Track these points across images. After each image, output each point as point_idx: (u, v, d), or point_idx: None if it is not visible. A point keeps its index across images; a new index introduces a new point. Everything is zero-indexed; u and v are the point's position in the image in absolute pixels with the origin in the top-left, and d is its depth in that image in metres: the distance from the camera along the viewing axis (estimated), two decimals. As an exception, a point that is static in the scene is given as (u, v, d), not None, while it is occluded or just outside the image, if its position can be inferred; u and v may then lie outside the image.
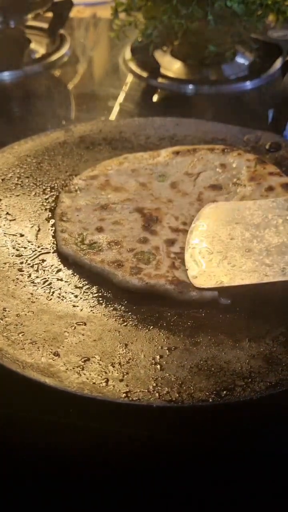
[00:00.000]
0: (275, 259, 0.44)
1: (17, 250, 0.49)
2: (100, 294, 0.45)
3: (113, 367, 0.38)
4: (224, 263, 0.45)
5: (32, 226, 0.52)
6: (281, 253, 0.44)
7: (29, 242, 0.50)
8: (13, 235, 0.51)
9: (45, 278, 0.46)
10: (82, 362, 0.39)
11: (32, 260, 0.48)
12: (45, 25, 0.92)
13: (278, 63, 0.83)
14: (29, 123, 0.73)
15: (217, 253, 0.46)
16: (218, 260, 0.45)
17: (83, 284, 0.46)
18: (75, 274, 0.47)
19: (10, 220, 0.52)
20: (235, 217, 0.49)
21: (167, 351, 0.40)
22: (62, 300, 0.44)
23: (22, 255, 0.49)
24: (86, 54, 0.93)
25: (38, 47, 0.89)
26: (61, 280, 0.46)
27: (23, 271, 0.47)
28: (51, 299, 0.44)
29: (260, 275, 0.43)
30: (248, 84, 0.80)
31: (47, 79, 0.85)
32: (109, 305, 0.44)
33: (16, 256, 0.49)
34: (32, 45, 0.89)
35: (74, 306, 0.44)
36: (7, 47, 0.84)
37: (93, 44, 0.97)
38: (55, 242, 0.50)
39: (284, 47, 0.85)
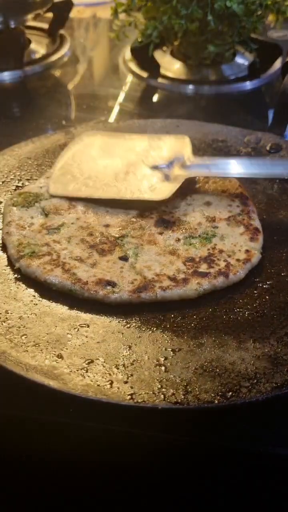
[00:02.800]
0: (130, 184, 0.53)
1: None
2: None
3: (117, 369, 0.38)
4: (85, 180, 0.54)
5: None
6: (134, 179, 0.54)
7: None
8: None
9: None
10: (86, 364, 0.39)
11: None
12: (45, 26, 0.92)
13: (278, 63, 0.83)
14: (29, 123, 0.72)
15: (81, 173, 0.55)
16: (80, 178, 0.54)
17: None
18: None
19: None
20: (105, 147, 0.58)
21: (171, 352, 0.40)
22: (65, 302, 0.44)
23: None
24: (86, 55, 0.93)
25: (38, 47, 0.89)
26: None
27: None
28: (53, 301, 0.44)
29: (112, 193, 0.52)
30: (248, 84, 0.80)
31: (47, 79, 0.84)
32: (112, 307, 0.44)
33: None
34: (32, 45, 0.89)
35: (76, 307, 0.44)
36: (7, 47, 0.84)
37: (93, 44, 0.97)
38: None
39: (284, 47, 0.85)
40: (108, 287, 0.44)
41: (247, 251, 0.48)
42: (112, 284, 0.44)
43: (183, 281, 0.44)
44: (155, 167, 0.55)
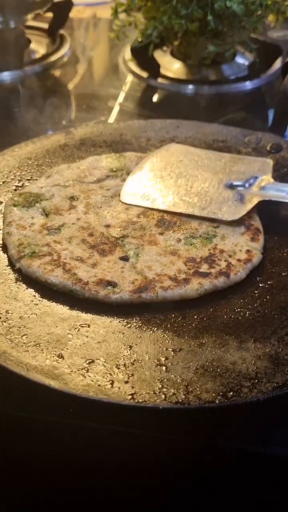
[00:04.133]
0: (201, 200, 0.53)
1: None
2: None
3: (118, 369, 0.38)
4: (157, 191, 0.54)
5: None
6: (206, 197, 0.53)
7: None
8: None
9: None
10: (86, 364, 0.39)
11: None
12: (45, 25, 0.92)
13: (278, 63, 0.83)
14: (29, 123, 0.73)
15: (155, 182, 0.55)
16: (153, 189, 0.54)
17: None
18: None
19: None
20: (185, 159, 0.58)
21: (172, 352, 0.40)
22: (65, 302, 0.44)
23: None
24: (86, 54, 0.93)
25: (38, 47, 0.89)
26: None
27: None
28: (54, 301, 0.44)
29: (183, 207, 0.52)
30: (248, 84, 0.80)
31: (47, 79, 0.85)
32: (113, 307, 0.44)
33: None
34: (32, 45, 0.89)
35: (77, 307, 0.44)
36: (7, 47, 0.84)
37: (93, 44, 0.97)
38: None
39: (284, 47, 0.85)
40: (109, 287, 0.44)
41: (248, 251, 0.48)
42: (113, 284, 0.44)
43: (184, 281, 0.44)
44: (231, 186, 0.54)
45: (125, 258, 0.47)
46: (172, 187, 0.54)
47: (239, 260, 0.47)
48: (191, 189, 0.54)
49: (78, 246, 0.48)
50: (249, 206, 0.51)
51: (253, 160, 0.58)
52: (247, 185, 0.53)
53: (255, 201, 0.52)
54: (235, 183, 0.54)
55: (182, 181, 0.55)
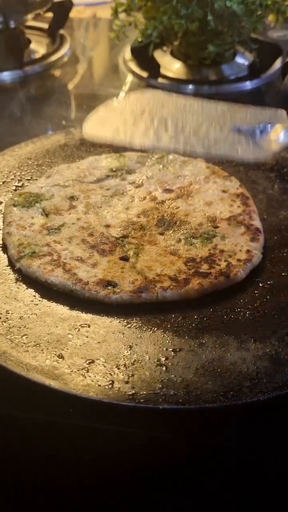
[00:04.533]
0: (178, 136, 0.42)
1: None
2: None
3: (118, 369, 0.38)
4: (133, 128, 0.42)
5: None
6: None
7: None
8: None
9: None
10: (86, 364, 0.39)
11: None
12: (45, 25, 0.92)
13: (278, 63, 0.83)
14: (29, 124, 0.72)
15: (127, 118, 0.43)
16: (127, 125, 0.42)
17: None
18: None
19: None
20: (169, 104, 0.46)
21: (172, 352, 0.40)
22: (65, 302, 0.44)
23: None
24: (86, 54, 0.93)
25: (38, 47, 0.89)
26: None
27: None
28: (54, 301, 0.44)
29: (174, 144, 0.41)
30: (248, 84, 0.80)
31: (47, 79, 0.84)
32: (113, 307, 0.44)
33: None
34: (32, 45, 0.89)
35: (77, 308, 0.44)
36: (7, 47, 0.84)
37: (93, 44, 0.97)
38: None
39: (284, 47, 0.85)
40: (109, 288, 0.44)
41: (248, 251, 0.47)
42: (113, 284, 0.44)
43: (184, 281, 0.44)
44: (239, 130, 0.42)
45: (125, 258, 0.47)
46: (154, 127, 0.42)
47: (239, 260, 0.46)
48: (184, 130, 0.42)
49: (78, 246, 0.48)
50: (276, 146, 0.40)
51: (261, 109, 0.46)
52: (258, 131, 0.42)
53: (278, 146, 0.40)
54: (244, 127, 0.42)
55: (169, 123, 0.42)
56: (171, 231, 0.50)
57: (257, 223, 0.51)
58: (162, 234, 0.50)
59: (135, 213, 0.52)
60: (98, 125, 0.43)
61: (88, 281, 0.44)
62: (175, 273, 0.45)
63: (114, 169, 0.57)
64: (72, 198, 0.54)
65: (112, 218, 0.52)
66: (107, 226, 0.51)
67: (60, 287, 0.45)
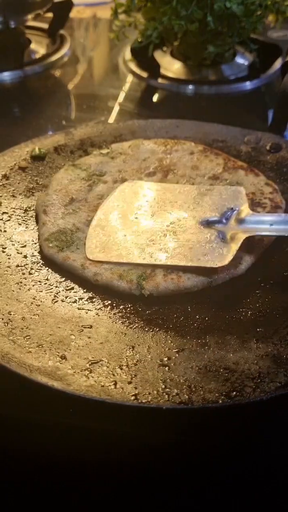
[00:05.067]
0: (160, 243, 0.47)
1: (20, 253, 0.49)
2: (105, 296, 0.45)
3: (121, 369, 0.38)
4: (122, 240, 0.47)
5: (34, 229, 0.52)
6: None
7: (33, 244, 0.50)
8: (16, 238, 0.50)
9: (49, 281, 0.46)
10: (89, 365, 0.39)
11: (36, 263, 0.48)
12: (45, 26, 0.92)
13: (277, 63, 0.83)
14: (29, 124, 0.72)
15: (118, 230, 0.48)
16: (117, 237, 0.48)
17: (88, 287, 0.46)
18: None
19: (12, 224, 0.52)
20: (145, 197, 0.52)
21: (174, 352, 0.40)
22: (67, 303, 0.44)
23: (25, 258, 0.48)
24: (86, 55, 0.93)
25: (38, 48, 0.89)
26: (65, 282, 0.46)
27: (27, 274, 0.47)
28: (56, 302, 0.44)
29: (146, 256, 0.46)
30: (248, 85, 0.80)
31: (47, 79, 0.84)
32: (115, 307, 0.44)
33: (20, 259, 0.48)
34: (32, 46, 0.89)
35: (79, 309, 0.44)
36: (7, 47, 0.84)
37: (93, 44, 0.97)
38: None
39: (284, 47, 0.85)
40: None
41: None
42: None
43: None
44: (206, 222, 0.47)
45: None
46: (140, 235, 0.47)
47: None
48: (165, 235, 0.47)
49: None
50: (235, 247, 0.45)
51: (223, 189, 0.52)
52: (224, 220, 0.47)
53: (240, 239, 0.46)
54: (211, 219, 0.48)
55: (153, 224, 0.48)
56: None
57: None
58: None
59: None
60: (100, 251, 0.47)
61: None
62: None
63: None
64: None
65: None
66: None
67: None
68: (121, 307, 0.44)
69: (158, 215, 0.50)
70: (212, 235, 0.47)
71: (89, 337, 0.41)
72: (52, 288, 0.45)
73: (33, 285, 0.45)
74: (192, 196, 0.52)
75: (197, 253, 0.45)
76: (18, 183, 0.57)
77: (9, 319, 0.42)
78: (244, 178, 0.55)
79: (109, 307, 0.44)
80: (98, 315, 0.43)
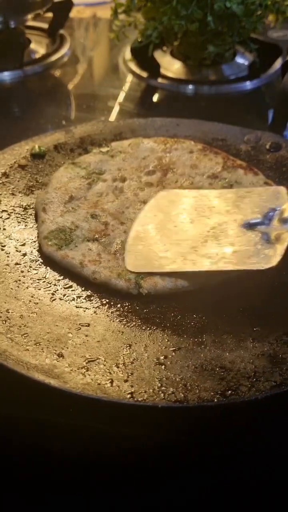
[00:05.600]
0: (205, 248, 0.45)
1: (19, 251, 0.49)
2: (103, 294, 0.45)
3: (118, 367, 0.38)
4: (162, 250, 0.45)
5: (33, 227, 0.52)
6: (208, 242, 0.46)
7: (32, 242, 0.50)
8: (15, 236, 0.51)
9: (48, 279, 0.46)
10: (86, 363, 0.39)
11: (35, 261, 0.48)
12: (45, 25, 0.92)
13: (277, 63, 0.83)
14: (29, 123, 0.73)
15: (158, 240, 0.47)
16: (158, 247, 0.46)
17: (86, 285, 0.46)
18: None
19: (12, 222, 0.52)
20: (182, 205, 0.50)
21: (171, 351, 0.40)
22: (65, 301, 0.44)
23: (24, 256, 0.49)
24: (86, 54, 0.93)
25: (38, 47, 0.89)
26: (63, 280, 0.46)
27: (25, 272, 0.47)
28: (54, 300, 0.44)
29: (189, 264, 0.44)
30: (248, 84, 0.80)
31: (47, 79, 0.85)
32: (112, 306, 0.44)
33: (19, 257, 0.48)
34: (32, 45, 0.89)
35: (77, 307, 0.44)
36: (7, 47, 0.84)
37: (93, 44, 0.97)
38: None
39: (284, 47, 0.85)
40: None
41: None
42: None
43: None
44: (248, 225, 0.45)
45: None
46: (185, 241, 0.45)
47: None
48: (207, 240, 0.45)
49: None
50: (281, 247, 0.43)
51: (262, 190, 0.51)
52: (266, 221, 0.46)
53: (285, 238, 0.43)
54: (253, 221, 0.46)
55: (193, 231, 0.46)
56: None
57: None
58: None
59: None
60: (141, 263, 0.45)
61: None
62: None
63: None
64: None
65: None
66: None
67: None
68: (119, 305, 0.44)
69: (197, 222, 0.48)
70: (256, 237, 0.45)
71: (86, 335, 0.41)
72: (50, 286, 0.45)
73: (31, 283, 0.46)
74: (231, 200, 0.50)
75: (242, 257, 0.43)
76: (18, 181, 0.57)
77: (7, 317, 0.43)
78: (243, 177, 0.55)
79: (107, 305, 0.44)
80: (96, 313, 0.43)
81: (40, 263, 0.48)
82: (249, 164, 0.57)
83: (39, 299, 0.44)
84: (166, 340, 0.41)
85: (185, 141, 0.61)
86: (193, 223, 0.48)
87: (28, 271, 0.47)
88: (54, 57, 0.87)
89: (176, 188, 0.54)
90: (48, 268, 0.47)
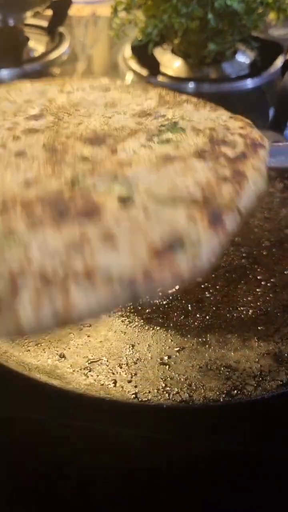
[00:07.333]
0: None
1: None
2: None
3: (121, 368, 0.38)
4: None
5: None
6: None
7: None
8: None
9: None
10: (88, 363, 0.38)
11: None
12: (44, 23, 0.91)
13: (278, 62, 0.83)
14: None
15: None
16: None
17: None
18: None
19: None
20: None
21: (175, 351, 0.39)
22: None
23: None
24: (85, 53, 0.92)
25: (37, 45, 0.89)
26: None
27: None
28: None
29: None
30: (249, 83, 0.80)
31: (46, 77, 0.84)
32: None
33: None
34: (31, 43, 0.88)
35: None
36: (6, 45, 0.83)
37: (93, 42, 0.96)
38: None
39: (285, 45, 0.85)
40: None
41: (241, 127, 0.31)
42: None
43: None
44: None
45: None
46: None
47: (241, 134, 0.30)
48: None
49: None
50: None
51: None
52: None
53: None
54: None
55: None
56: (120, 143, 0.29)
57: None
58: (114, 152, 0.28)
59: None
60: None
61: None
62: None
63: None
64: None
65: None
66: None
67: None
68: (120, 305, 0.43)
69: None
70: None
71: (88, 336, 0.41)
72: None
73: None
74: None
75: None
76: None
77: (8, 317, 0.42)
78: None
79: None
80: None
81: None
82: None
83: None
84: (170, 340, 0.40)
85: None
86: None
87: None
88: (53, 55, 0.86)
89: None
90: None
